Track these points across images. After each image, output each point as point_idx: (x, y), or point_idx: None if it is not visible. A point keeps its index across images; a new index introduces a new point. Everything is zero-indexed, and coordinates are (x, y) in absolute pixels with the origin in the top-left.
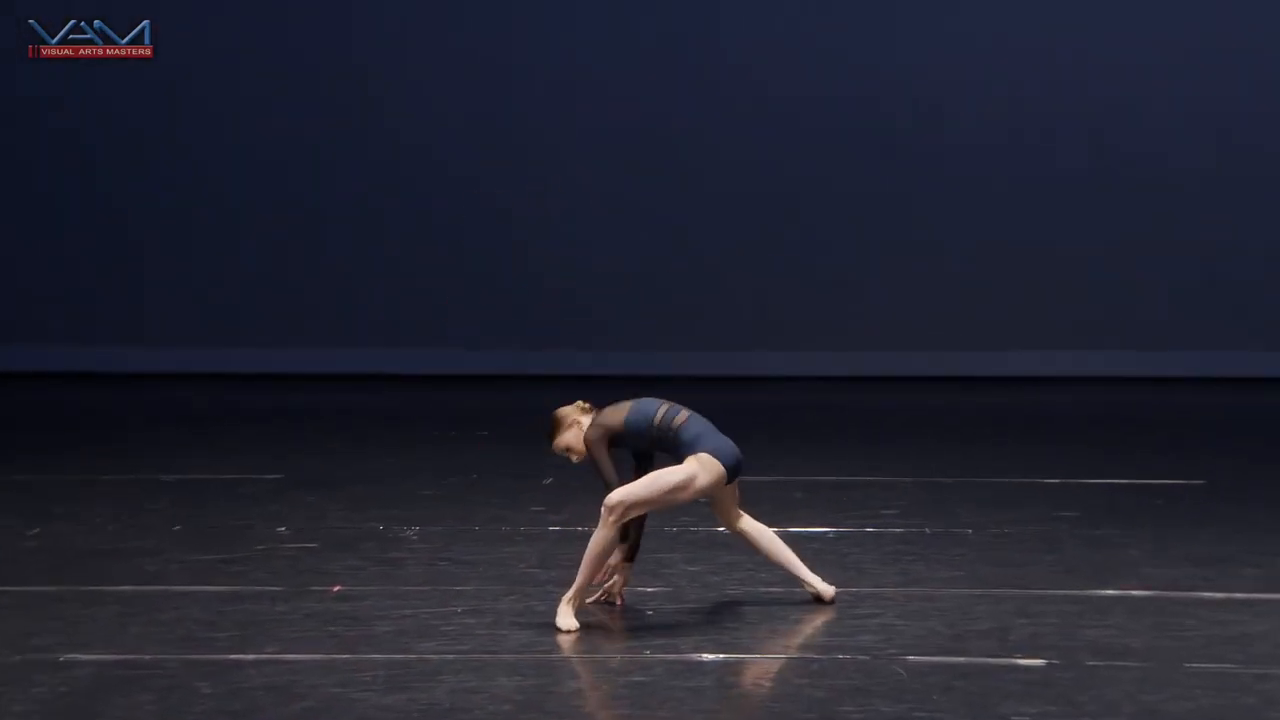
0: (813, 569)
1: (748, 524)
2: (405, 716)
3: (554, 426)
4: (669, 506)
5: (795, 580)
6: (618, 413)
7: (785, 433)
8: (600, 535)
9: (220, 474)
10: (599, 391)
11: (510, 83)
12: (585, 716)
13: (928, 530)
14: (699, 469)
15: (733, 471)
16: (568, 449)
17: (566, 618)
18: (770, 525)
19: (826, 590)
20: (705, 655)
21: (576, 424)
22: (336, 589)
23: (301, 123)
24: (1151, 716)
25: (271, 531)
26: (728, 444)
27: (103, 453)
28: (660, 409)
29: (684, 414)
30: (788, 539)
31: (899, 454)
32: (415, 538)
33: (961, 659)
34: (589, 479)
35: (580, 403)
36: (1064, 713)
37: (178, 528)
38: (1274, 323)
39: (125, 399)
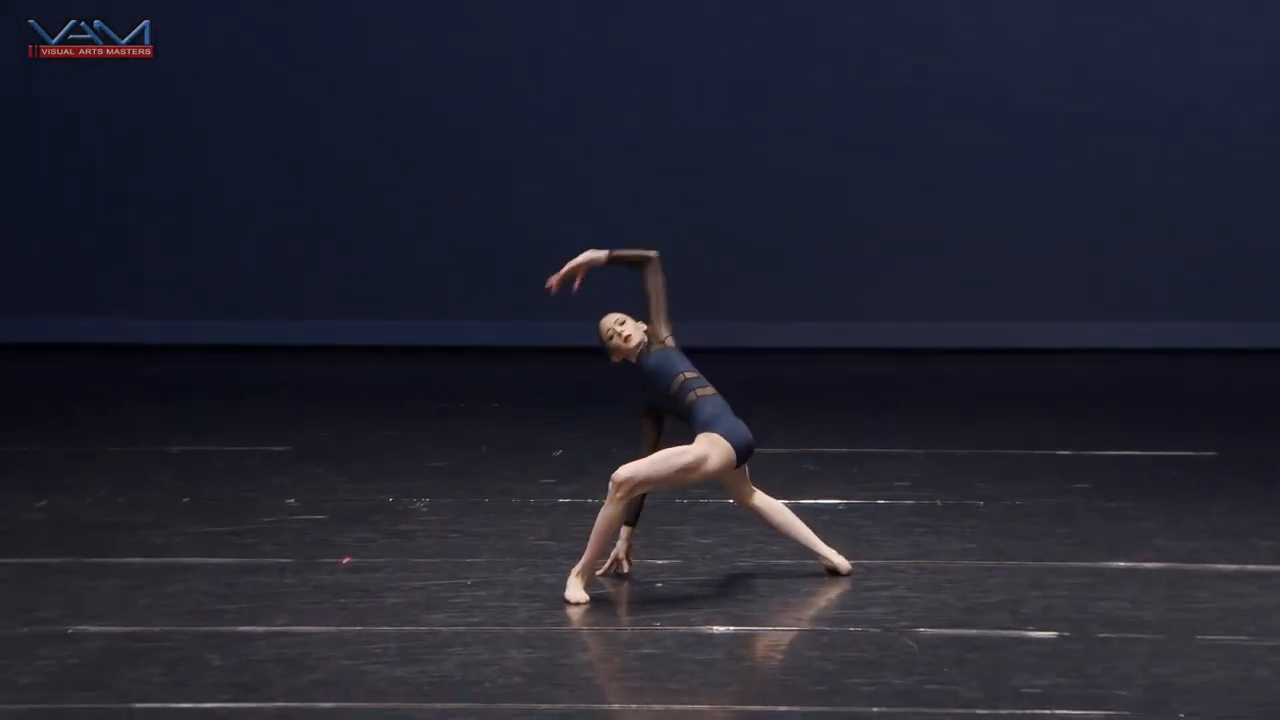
0: (826, 542)
1: (760, 499)
2: (416, 689)
3: (621, 330)
4: (677, 486)
5: (810, 554)
6: (654, 344)
7: (796, 405)
8: (607, 511)
9: (226, 446)
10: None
11: (519, 63)
12: (596, 688)
13: (940, 503)
14: (710, 450)
15: (743, 455)
16: (624, 344)
17: (576, 590)
18: (782, 498)
19: (842, 564)
20: (716, 628)
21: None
22: (346, 561)
23: (303, 119)
24: (1164, 689)
25: (279, 504)
26: (741, 427)
27: (107, 426)
28: (682, 374)
29: (702, 390)
30: (799, 511)
31: (911, 426)
32: (425, 510)
33: (973, 631)
34: (599, 451)
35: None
36: (1075, 685)
37: (185, 500)
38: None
39: (126, 372)
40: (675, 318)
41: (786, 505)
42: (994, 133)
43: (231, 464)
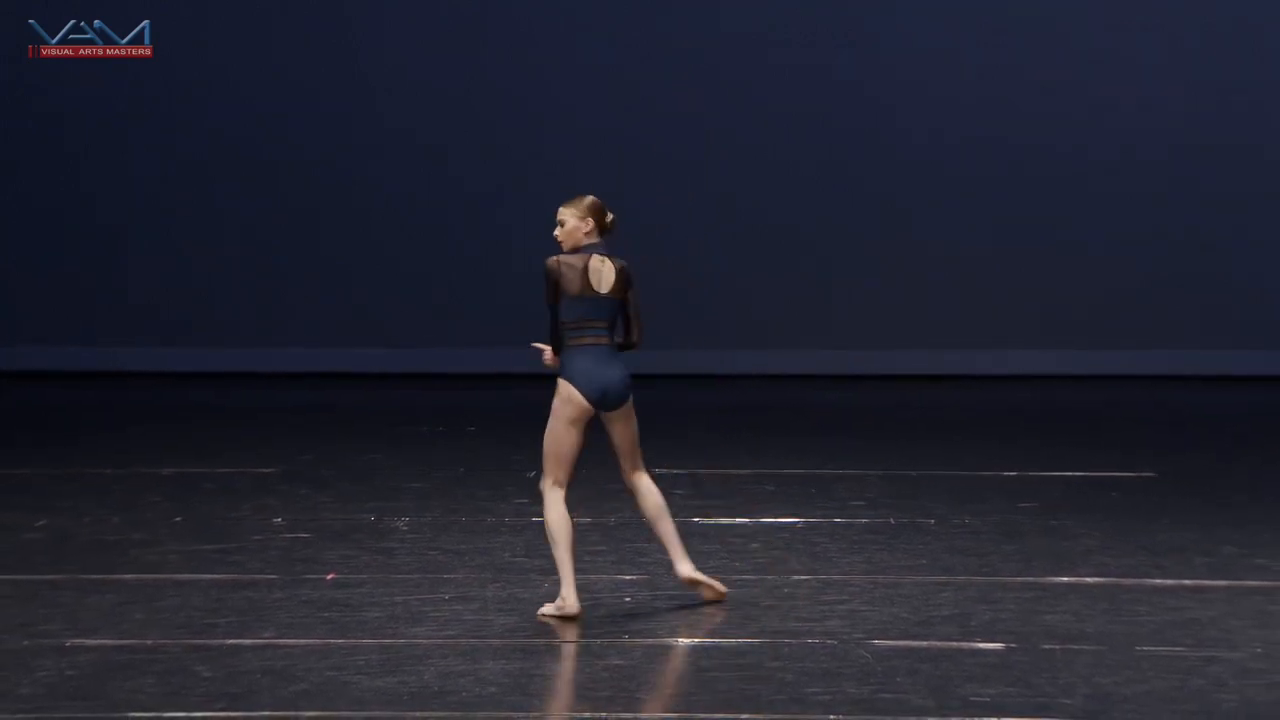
0: (780, 559)
1: (641, 482)
2: (396, 698)
3: (589, 213)
4: (574, 448)
5: (668, 557)
6: (572, 272)
7: (757, 428)
8: (547, 515)
9: (215, 468)
10: None
11: (508, 81)
12: (566, 698)
13: (893, 521)
14: (558, 400)
15: (595, 402)
16: (569, 235)
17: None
18: (743, 517)
19: (687, 571)
20: (681, 640)
21: (584, 230)
22: (331, 577)
23: (301, 122)
24: (1105, 698)
25: (267, 523)
26: (598, 374)
27: (101, 449)
28: (573, 314)
29: (579, 340)
30: (760, 529)
31: (865, 449)
32: (405, 528)
33: (925, 643)
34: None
35: (598, 221)
36: (1022, 694)
37: (177, 519)
38: (1222, 321)
39: (117, 397)
40: (650, 346)
41: (750, 523)
42: (946, 165)
43: (221, 485)
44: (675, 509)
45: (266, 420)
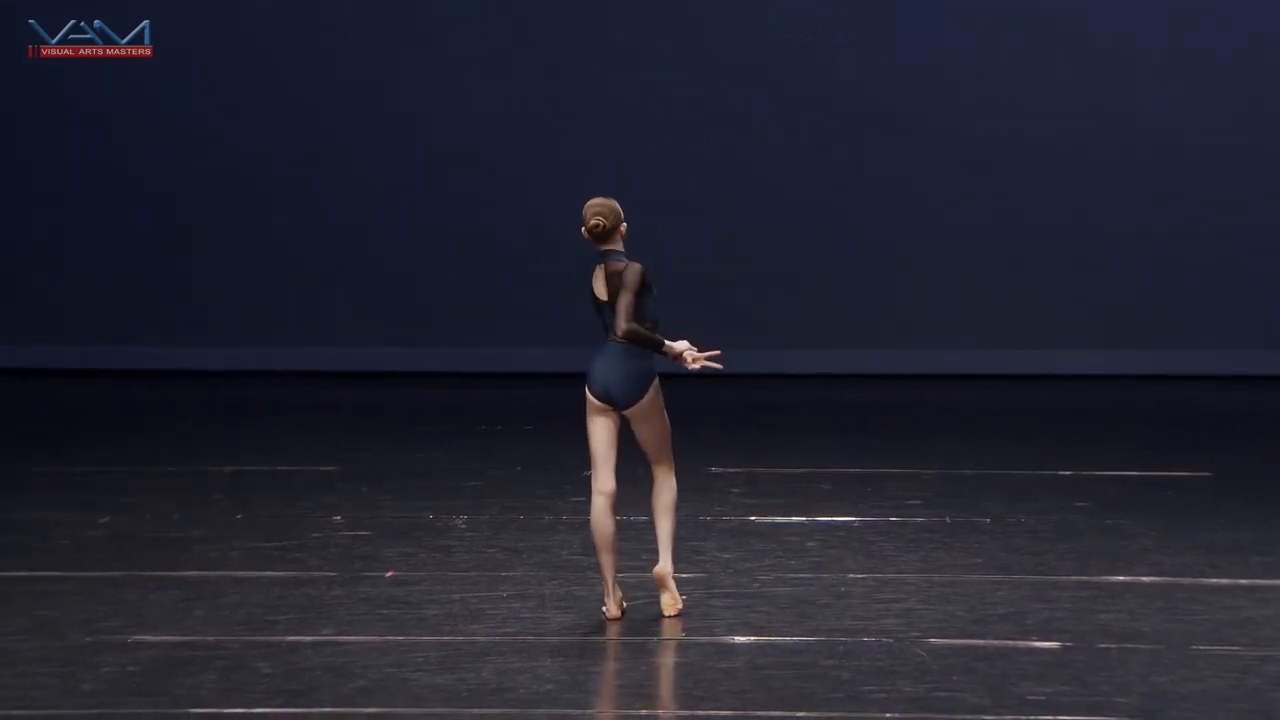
0: (836, 557)
1: (659, 477)
2: (454, 695)
3: (615, 219)
4: (600, 445)
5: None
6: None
7: (813, 428)
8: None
9: (275, 466)
10: None
11: (524, 83)
12: (623, 696)
13: (949, 520)
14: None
15: (600, 396)
16: (608, 236)
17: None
18: (800, 516)
19: (673, 596)
20: (737, 638)
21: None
22: (390, 574)
23: (305, 119)
24: (1161, 697)
25: (327, 520)
26: (600, 369)
27: (162, 447)
28: (611, 320)
29: (606, 342)
30: (816, 528)
31: (921, 448)
32: (463, 526)
33: (980, 642)
34: (626, 469)
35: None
36: (1077, 693)
37: (238, 517)
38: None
39: (171, 396)
40: (714, 345)
41: (806, 521)
42: (1006, 163)
43: (280, 483)
44: (731, 507)
45: (323, 418)
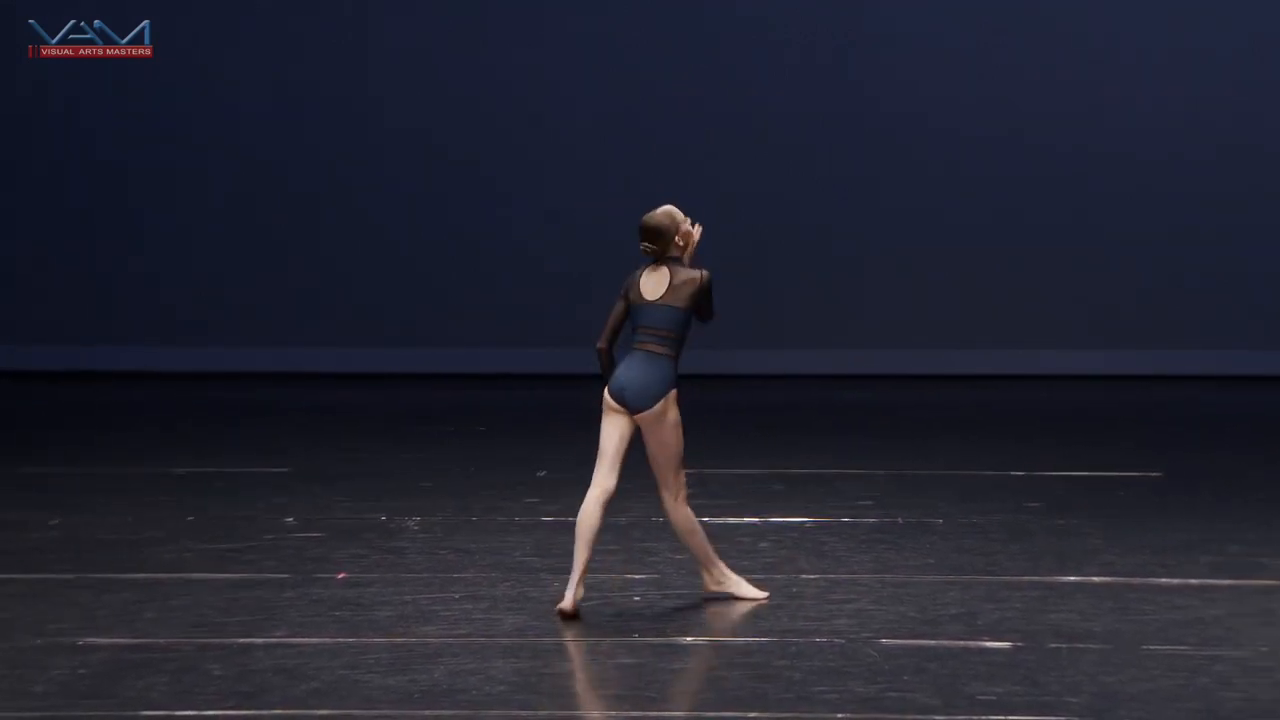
0: (789, 558)
1: (665, 503)
2: (406, 697)
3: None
4: (609, 443)
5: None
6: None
7: (766, 428)
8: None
9: (226, 468)
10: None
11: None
12: (575, 696)
13: (901, 520)
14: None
15: (617, 398)
16: (685, 242)
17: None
18: (752, 516)
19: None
20: (689, 638)
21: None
22: (342, 576)
23: (305, 120)
24: (1111, 697)
25: (279, 522)
26: (621, 371)
27: (112, 448)
28: (636, 327)
29: (634, 345)
30: (769, 529)
31: (873, 448)
32: (416, 528)
33: (932, 642)
34: (581, 472)
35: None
36: (1028, 693)
37: (190, 518)
38: (1226, 320)
39: (123, 397)
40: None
41: (759, 522)
42: (957, 161)
43: (233, 484)
44: None
45: (276, 420)
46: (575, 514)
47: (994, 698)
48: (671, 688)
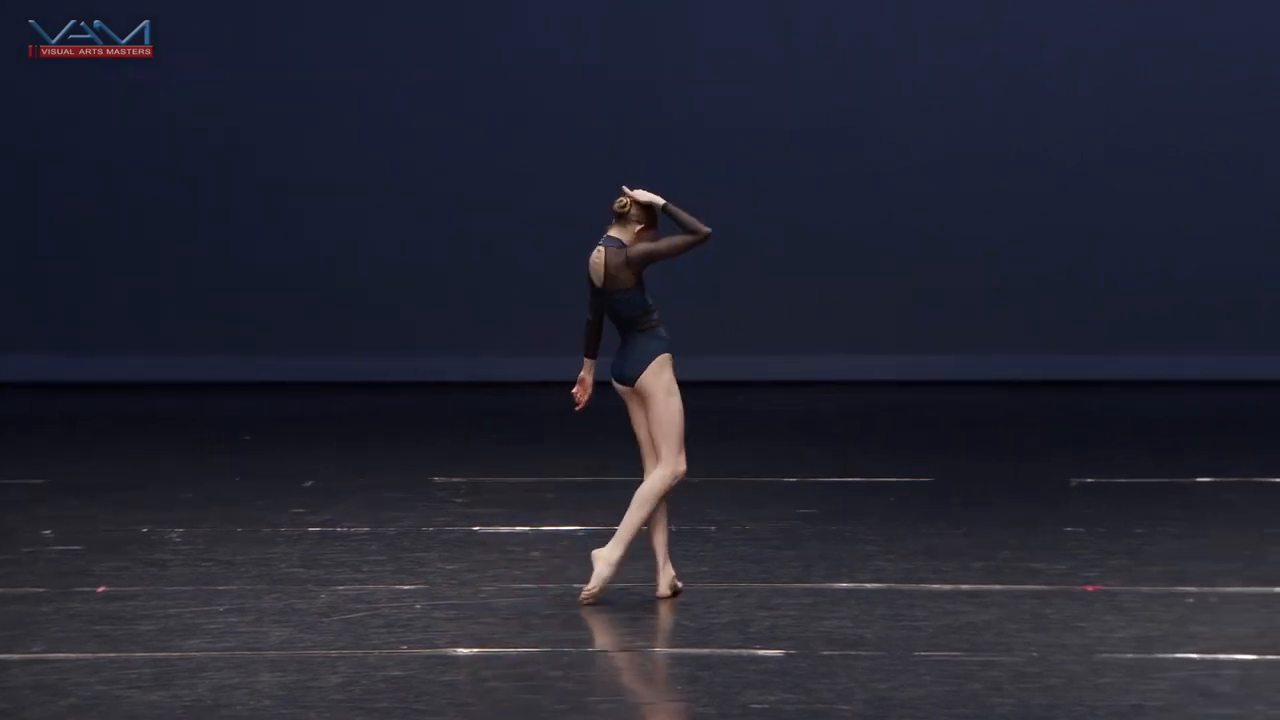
0: (561, 567)
1: (650, 466)
2: (169, 713)
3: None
4: (636, 425)
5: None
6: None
7: (538, 434)
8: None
9: None
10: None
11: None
12: (343, 710)
13: (674, 528)
14: None
15: (616, 377)
16: (638, 222)
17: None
18: (522, 525)
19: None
20: (460, 650)
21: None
22: (102, 590)
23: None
24: (883, 704)
25: (36, 535)
26: (616, 354)
27: None
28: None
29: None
30: (540, 537)
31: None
32: (179, 540)
33: (705, 650)
34: (348, 481)
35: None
36: (801, 701)
37: None
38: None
39: None
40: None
41: (530, 531)
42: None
43: None
44: (453, 517)
45: (34, 430)
46: (343, 524)
47: (767, 706)
48: (441, 699)
